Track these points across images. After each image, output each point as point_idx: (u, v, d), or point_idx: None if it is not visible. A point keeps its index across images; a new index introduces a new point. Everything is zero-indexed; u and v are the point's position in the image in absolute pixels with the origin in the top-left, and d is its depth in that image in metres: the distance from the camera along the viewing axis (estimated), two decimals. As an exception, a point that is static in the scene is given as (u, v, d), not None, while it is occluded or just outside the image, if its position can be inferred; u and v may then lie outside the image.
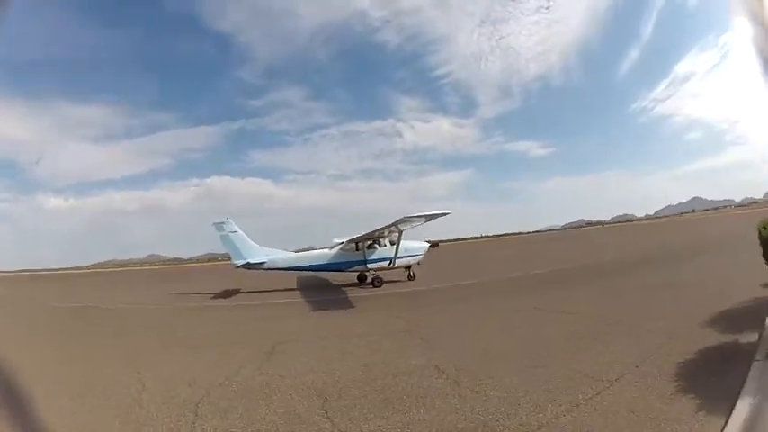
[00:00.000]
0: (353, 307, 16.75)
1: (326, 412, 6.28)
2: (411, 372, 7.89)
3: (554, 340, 9.45)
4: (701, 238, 36.01)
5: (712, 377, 6.37)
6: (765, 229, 7.44)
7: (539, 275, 22.51)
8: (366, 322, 13.53)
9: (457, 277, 23.30)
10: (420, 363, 8.43)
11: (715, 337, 8.23)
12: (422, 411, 6.03)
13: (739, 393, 5.17)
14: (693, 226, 62.54)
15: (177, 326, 15.31)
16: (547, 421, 5.49)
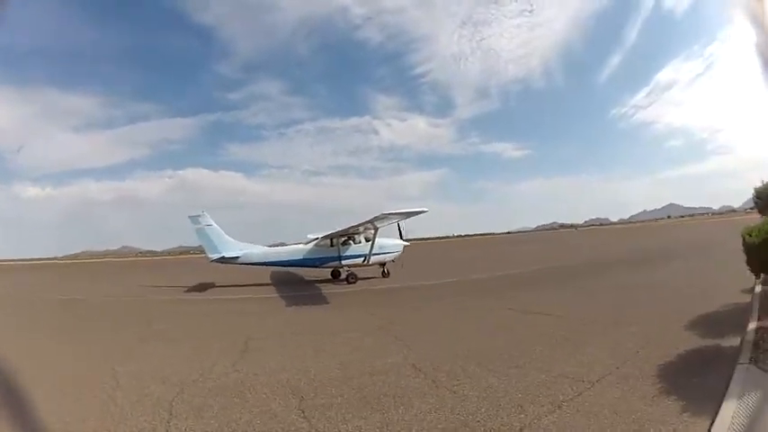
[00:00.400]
0: (328, 303, 16.67)
1: (303, 412, 6.10)
2: (388, 371, 7.77)
3: (530, 341, 9.42)
4: (677, 244, 36.66)
5: (695, 379, 6.38)
6: (750, 236, 7.44)
7: (511, 275, 22.85)
8: (341, 319, 13.42)
9: (431, 276, 23.50)
10: (396, 361, 8.33)
11: (695, 341, 8.29)
12: (401, 411, 5.90)
13: (724, 396, 5.17)
14: (668, 231, 63.67)
15: (153, 319, 14.87)
16: (529, 422, 5.40)
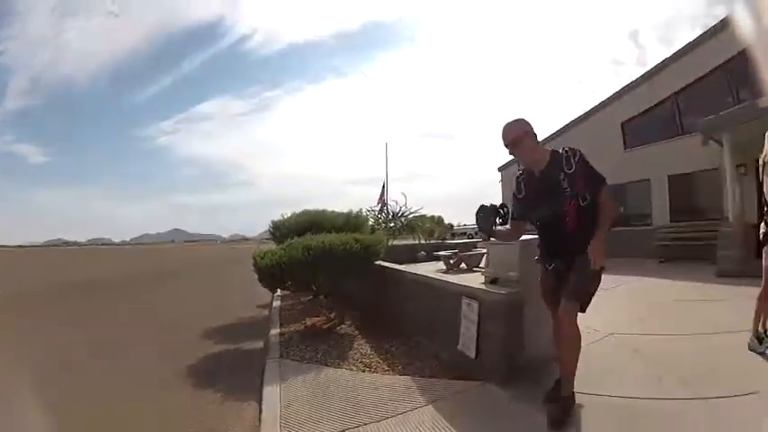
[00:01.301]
0: None
1: None
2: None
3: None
4: (179, 265, 39.84)
5: (226, 376, 6.91)
6: (262, 258, 8.60)
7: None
8: None
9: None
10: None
11: (218, 348, 8.88)
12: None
13: (262, 383, 5.79)
14: (175, 254, 66.07)
15: None
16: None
